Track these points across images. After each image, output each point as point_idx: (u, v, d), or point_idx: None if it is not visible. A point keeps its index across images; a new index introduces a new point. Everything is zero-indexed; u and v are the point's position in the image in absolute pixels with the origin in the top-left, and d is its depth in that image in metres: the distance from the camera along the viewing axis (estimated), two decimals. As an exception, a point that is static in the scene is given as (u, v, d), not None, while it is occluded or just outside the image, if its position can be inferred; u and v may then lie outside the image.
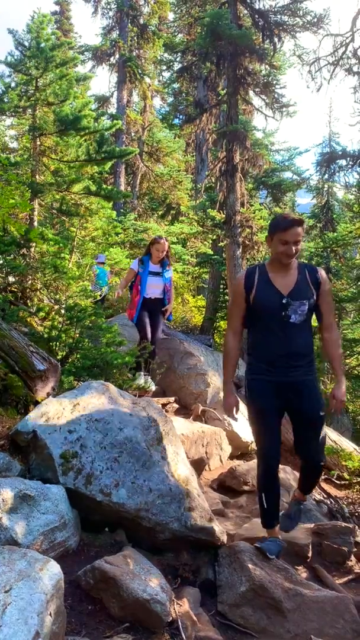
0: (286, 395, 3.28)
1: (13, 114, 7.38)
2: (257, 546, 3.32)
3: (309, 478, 3.61)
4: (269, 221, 11.43)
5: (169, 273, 6.30)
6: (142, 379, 6.11)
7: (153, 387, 6.37)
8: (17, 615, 1.98)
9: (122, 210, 17.22)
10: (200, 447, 5.44)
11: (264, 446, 3.36)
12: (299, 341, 3.23)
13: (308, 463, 3.48)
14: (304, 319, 3.22)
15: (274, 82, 10.77)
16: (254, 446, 6.46)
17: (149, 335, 6.05)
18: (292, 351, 3.23)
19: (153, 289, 6.17)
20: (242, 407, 6.95)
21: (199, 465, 5.01)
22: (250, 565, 3.13)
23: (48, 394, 4.10)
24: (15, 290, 6.64)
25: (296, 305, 3.18)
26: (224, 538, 3.50)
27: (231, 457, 6.07)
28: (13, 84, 7.16)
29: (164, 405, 6.47)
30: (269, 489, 3.35)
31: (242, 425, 6.47)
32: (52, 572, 2.25)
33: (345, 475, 6.17)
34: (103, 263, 11.11)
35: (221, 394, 6.69)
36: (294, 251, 3.15)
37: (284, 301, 3.18)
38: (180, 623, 2.68)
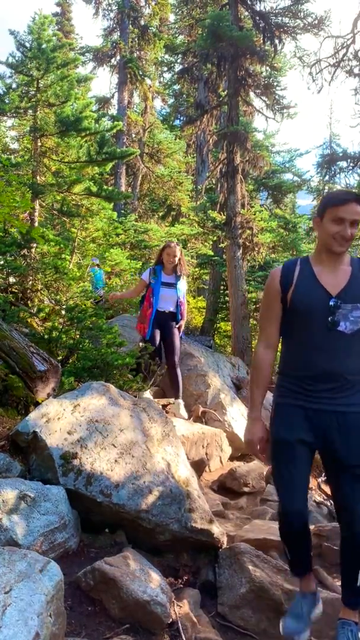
0: (323, 431, 2.43)
1: (14, 114, 7.39)
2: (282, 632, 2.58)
3: (353, 562, 2.47)
4: (268, 222, 11.44)
5: (183, 285, 5.79)
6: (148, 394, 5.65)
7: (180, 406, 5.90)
8: (17, 616, 1.97)
9: (122, 212, 17.22)
10: (200, 448, 5.44)
11: (283, 497, 2.52)
12: (348, 358, 2.42)
13: (353, 537, 2.41)
14: (357, 329, 2.40)
15: (275, 83, 10.78)
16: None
17: (162, 353, 5.70)
18: (338, 370, 2.42)
19: (166, 301, 5.66)
20: (241, 407, 6.94)
21: (199, 466, 5.00)
22: (250, 567, 3.12)
23: (48, 395, 4.10)
24: (16, 290, 6.64)
25: (348, 310, 2.40)
26: (224, 539, 3.49)
27: (231, 459, 6.07)
28: (14, 85, 7.17)
29: (164, 406, 6.45)
30: (293, 547, 2.62)
31: (242, 427, 6.47)
32: (52, 573, 2.24)
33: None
34: (98, 265, 11.12)
35: (222, 395, 6.70)
36: (349, 234, 2.39)
37: (331, 303, 2.41)
38: (180, 624, 2.68)
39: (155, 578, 2.80)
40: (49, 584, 2.18)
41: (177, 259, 5.62)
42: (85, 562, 2.86)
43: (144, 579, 2.71)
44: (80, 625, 2.47)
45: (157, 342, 5.61)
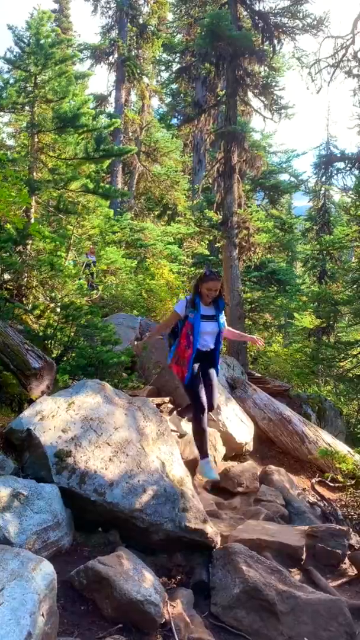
0: None
1: (11, 110, 7.34)
2: None
3: None
4: (264, 222, 11.45)
5: (224, 316, 4.95)
6: (211, 469, 4.57)
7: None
8: (9, 615, 1.95)
9: (118, 210, 17.18)
10: (194, 447, 5.41)
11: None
12: None
13: None
14: None
15: (273, 83, 10.77)
16: (248, 447, 6.46)
17: (205, 402, 4.59)
18: None
19: (207, 338, 4.83)
20: (236, 407, 6.93)
21: (193, 466, 4.98)
22: (244, 567, 3.11)
23: (43, 393, 4.07)
24: (11, 287, 6.60)
25: None
26: (218, 539, 3.48)
27: (225, 459, 6.05)
28: (12, 80, 7.12)
29: (158, 405, 6.43)
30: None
31: (237, 427, 6.46)
32: (45, 572, 2.22)
33: (339, 477, 6.17)
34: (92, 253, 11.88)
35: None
36: None
37: None
38: (173, 624, 2.66)
39: (149, 578, 2.78)
40: (41, 583, 2.16)
41: (217, 293, 4.81)
42: (79, 561, 2.84)
43: (137, 579, 2.69)
44: (73, 624, 2.45)
45: (202, 392, 4.60)
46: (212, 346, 4.85)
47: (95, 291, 11.59)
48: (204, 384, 4.70)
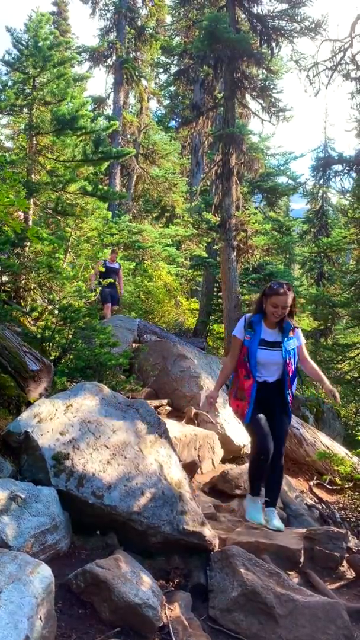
0: None
1: (9, 112, 7.35)
2: None
3: None
4: (262, 224, 11.48)
5: (295, 341, 3.97)
6: (258, 511, 4.02)
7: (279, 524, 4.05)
8: (6, 619, 1.95)
9: (117, 212, 17.19)
10: (192, 450, 5.42)
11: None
12: None
13: None
14: None
15: (271, 86, 10.80)
16: (246, 450, 6.45)
17: (271, 447, 3.84)
18: None
19: (268, 368, 3.93)
20: (224, 402, 6.95)
21: (191, 468, 4.99)
22: (242, 570, 3.10)
23: (41, 395, 4.07)
24: (9, 289, 6.59)
25: None
26: (216, 542, 3.48)
27: (223, 461, 6.05)
28: (10, 83, 7.13)
29: (156, 407, 6.44)
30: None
31: (235, 429, 6.46)
32: (42, 575, 2.22)
33: (337, 480, 6.17)
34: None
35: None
36: None
37: None
38: (171, 628, 2.65)
39: (147, 581, 2.77)
40: (39, 586, 2.15)
41: (286, 312, 3.85)
42: (77, 564, 2.83)
43: (135, 582, 2.69)
44: (71, 628, 2.44)
45: (266, 428, 3.87)
46: (277, 376, 3.97)
47: (116, 307, 11.34)
48: (270, 428, 3.88)
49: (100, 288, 9.52)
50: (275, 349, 3.89)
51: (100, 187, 7.47)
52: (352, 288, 13.38)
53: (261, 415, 3.89)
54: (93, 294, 7.15)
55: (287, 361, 3.92)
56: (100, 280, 8.71)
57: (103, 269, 9.77)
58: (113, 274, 10.40)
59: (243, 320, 4.00)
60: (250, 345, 3.88)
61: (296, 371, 4.03)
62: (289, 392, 4.01)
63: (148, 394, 6.72)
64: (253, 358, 3.87)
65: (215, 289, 15.17)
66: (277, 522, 3.99)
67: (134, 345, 8.09)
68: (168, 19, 21.60)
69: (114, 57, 20.21)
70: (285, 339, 3.90)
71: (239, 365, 3.97)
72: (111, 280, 9.15)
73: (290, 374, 3.96)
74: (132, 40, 20.80)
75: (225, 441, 6.17)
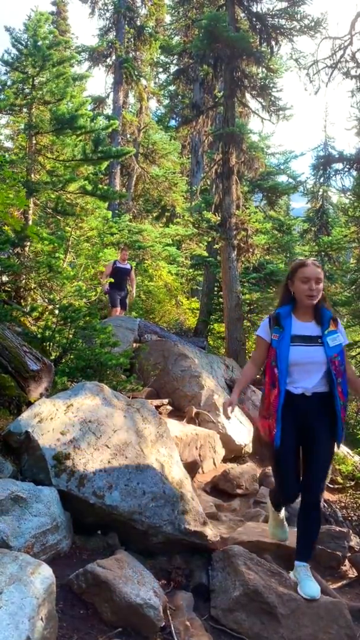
0: None
1: (9, 112, 7.34)
2: None
3: None
4: (263, 224, 11.47)
5: (340, 337, 3.09)
6: (278, 525, 3.59)
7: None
8: (7, 619, 1.94)
9: (116, 212, 17.17)
10: (193, 449, 5.41)
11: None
12: None
13: None
14: None
15: (271, 85, 10.81)
16: (247, 449, 6.44)
17: (296, 494, 3.12)
18: None
19: (307, 372, 3.04)
20: (235, 408, 6.92)
21: (192, 468, 4.97)
22: (244, 570, 3.09)
23: (41, 395, 4.06)
24: (9, 289, 6.59)
25: None
26: (218, 542, 3.46)
27: (224, 460, 6.04)
28: (9, 82, 7.12)
29: (157, 407, 6.43)
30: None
31: (236, 429, 6.45)
32: (43, 575, 2.21)
33: (339, 479, 6.16)
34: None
35: (215, 397, 6.68)
36: None
37: None
38: (173, 628, 2.65)
39: (148, 581, 2.76)
40: (40, 587, 2.14)
41: (321, 288, 3.05)
42: (78, 565, 2.82)
43: (136, 582, 2.67)
44: (72, 629, 2.43)
45: (292, 457, 3.06)
46: (317, 388, 3.03)
47: (128, 312, 10.46)
48: (305, 453, 3.07)
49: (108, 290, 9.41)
50: (314, 345, 3.01)
51: (100, 186, 7.47)
52: (353, 287, 13.36)
53: (290, 444, 3.00)
54: (93, 293, 7.12)
55: (334, 360, 2.98)
56: (112, 280, 8.70)
57: (108, 281, 9.20)
58: (124, 276, 9.82)
59: (268, 319, 3.20)
60: (279, 345, 3.01)
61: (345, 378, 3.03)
62: (341, 404, 2.99)
63: (149, 394, 6.71)
64: (284, 360, 2.97)
65: (215, 289, 15.16)
66: (309, 588, 3.00)
67: (134, 344, 8.08)
68: (167, 19, 21.58)
69: (114, 57, 20.20)
70: (327, 332, 3.03)
71: (266, 373, 3.12)
72: (111, 280, 9.11)
73: (340, 379, 2.99)
74: (132, 39, 20.78)
75: (227, 440, 6.16)
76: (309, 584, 3.01)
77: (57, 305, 5.97)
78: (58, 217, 7.97)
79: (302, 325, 3.08)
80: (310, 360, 3.01)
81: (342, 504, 5.73)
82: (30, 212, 7.34)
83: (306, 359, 3.01)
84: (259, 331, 3.25)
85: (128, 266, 10.13)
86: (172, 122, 24.30)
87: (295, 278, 3.07)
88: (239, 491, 5.16)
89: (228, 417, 3.15)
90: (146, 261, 15.53)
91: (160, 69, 23.05)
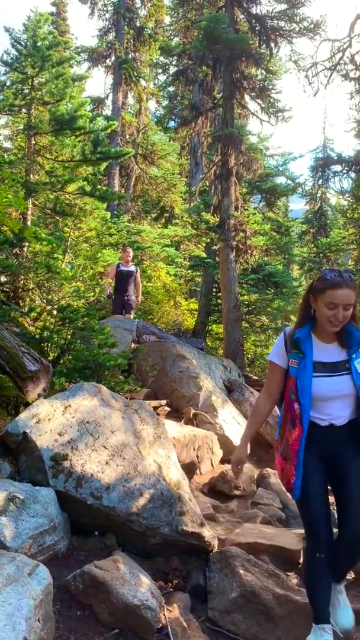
0: None
1: (8, 112, 7.34)
2: None
3: None
4: (261, 225, 11.49)
5: None
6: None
7: None
8: (4, 620, 1.93)
9: (115, 212, 17.17)
10: (191, 450, 5.41)
11: None
12: None
13: None
14: None
15: (270, 86, 10.83)
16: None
17: (330, 537, 2.58)
18: None
19: (331, 406, 2.58)
20: (233, 409, 6.92)
21: (190, 469, 4.97)
22: (241, 571, 3.10)
23: (39, 395, 4.06)
24: (7, 290, 6.58)
25: None
26: (215, 543, 3.47)
27: (222, 461, 6.04)
28: (8, 82, 7.13)
29: (155, 408, 6.42)
30: None
31: (234, 430, 6.45)
32: (41, 576, 2.20)
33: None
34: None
35: (213, 398, 6.68)
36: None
37: None
38: (170, 629, 2.65)
39: (145, 582, 2.76)
40: (37, 587, 2.14)
41: (349, 315, 2.48)
42: (75, 566, 2.82)
43: (134, 583, 2.67)
44: (69, 630, 2.43)
45: (317, 506, 2.57)
46: (343, 419, 2.58)
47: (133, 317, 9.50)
48: (338, 494, 2.63)
49: (113, 295, 9.06)
50: (339, 374, 2.53)
51: (99, 187, 7.47)
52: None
53: (317, 491, 2.55)
54: (92, 294, 7.12)
55: None
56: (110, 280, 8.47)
57: (111, 281, 8.84)
58: (129, 279, 9.11)
59: (282, 338, 2.64)
60: (300, 375, 2.50)
61: None
62: None
63: (147, 395, 6.71)
64: (307, 395, 2.48)
65: (214, 290, 15.18)
66: (344, 618, 2.64)
67: (132, 345, 8.07)
68: (167, 20, 21.62)
69: (113, 58, 20.20)
70: (355, 356, 2.54)
71: (285, 405, 2.60)
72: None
73: None
74: (131, 40, 20.78)
75: (224, 442, 6.16)
76: (347, 615, 2.66)
77: (56, 306, 5.97)
78: (57, 217, 7.97)
79: (325, 349, 2.55)
80: (337, 393, 2.52)
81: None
82: (29, 212, 7.34)
83: (332, 392, 2.52)
84: (272, 355, 2.67)
85: (132, 268, 9.33)
86: (172, 123, 24.32)
87: (319, 298, 2.45)
88: (236, 492, 5.16)
89: (237, 476, 2.80)
90: (145, 262, 15.53)
91: (160, 70, 23.10)
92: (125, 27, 20.25)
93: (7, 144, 13.82)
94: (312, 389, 2.49)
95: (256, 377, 10.22)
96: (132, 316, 9.01)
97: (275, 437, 2.73)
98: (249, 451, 2.70)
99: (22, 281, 6.65)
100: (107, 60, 20.69)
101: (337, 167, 12.26)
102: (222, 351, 12.04)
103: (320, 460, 2.57)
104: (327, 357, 2.54)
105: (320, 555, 2.51)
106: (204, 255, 14.34)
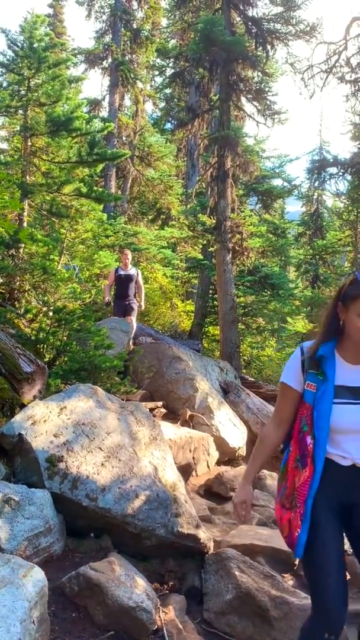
0: None
1: (4, 113, 7.34)
2: None
3: None
4: (258, 227, 11.51)
5: None
6: None
7: None
8: (-1, 623, 1.93)
9: (112, 214, 17.16)
10: (187, 452, 5.41)
11: None
12: None
13: None
14: None
15: (266, 89, 10.86)
16: (241, 452, 6.45)
17: (336, 607, 1.92)
18: None
19: (354, 441, 2.01)
20: (229, 411, 6.91)
21: (186, 470, 4.97)
22: (236, 573, 3.09)
23: (35, 397, 4.04)
24: (3, 291, 6.57)
25: None
26: (211, 545, 3.46)
27: (218, 463, 6.04)
28: (5, 84, 7.12)
29: (151, 409, 6.42)
30: None
31: (230, 431, 6.45)
32: (36, 578, 2.20)
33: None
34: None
35: (210, 399, 6.68)
36: None
37: None
38: (165, 631, 2.64)
39: (141, 584, 2.76)
40: (32, 589, 2.13)
41: None
42: (70, 567, 2.81)
43: (129, 585, 2.67)
44: (64, 632, 2.42)
45: (331, 572, 1.93)
46: None
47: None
48: (352, 541, 2.06)
49: (112, 300, 8.53)
50: None
51: (95, 189, 7.47)
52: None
53: (329, 547, 1.96)
54: (88, 295, 7.09)
55: None
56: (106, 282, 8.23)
57: (108, 283, 8.53)
58: (129, 284, 8.50)
59: (298, 356, 2.11)
60: (318, 402, 1.99)
61: None
62: None
63: (143, 396, 6.70)
64: (324, 427, 1.97)
65: (210, 291, 15.18)
66: None
67: (129, 347, 8.06)
68: (164, 22, 21.67)
69: (110, 59, 20.20)
70: None
71: (294, 439, 2.08)
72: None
73: None
74: (128, 42, 20.80)
75: (220, 443, 6.16)
76: None
77: (52, 307, 5.96)
78: (53, 219, 7.96)
79: (350, 371, 2.03)
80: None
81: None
82: (25, 214, 7.33)
83: (357, 423, 1.99)
84: (286, 376, 2.13)
85: (132, 272, 8.66)
86: (168, 125, 24.34)
87: (352, 306, 1.97)
88: (232, 494, 5.15)
89: (243, 520, 2.29)
90: (141, 264, 15.53)
91: (157, 72, 23.09)
92: (122, 29, 20.27)
93: (4, 145, 13.81)
94: (332, 419, 1.97)
95: (252, 379, 10.22)
96: (134, 319, 8.40)
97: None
98: (253, 489, 2.25)
99: (18, 282, 6.64)
100: (104, 62, 20.69)
101: (333, 170, 12.29)
102: (219, 353, 12.04)
103: (336, 509, 2.01)
104: (354, 380, 2.02)
105: (330, 638, 1.90)
106: (200, 257, 14.35)
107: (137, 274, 8.70)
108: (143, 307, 9.41)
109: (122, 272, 8.57)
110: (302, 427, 2.03)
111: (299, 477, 2.00)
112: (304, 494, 1.96)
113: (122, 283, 8.45)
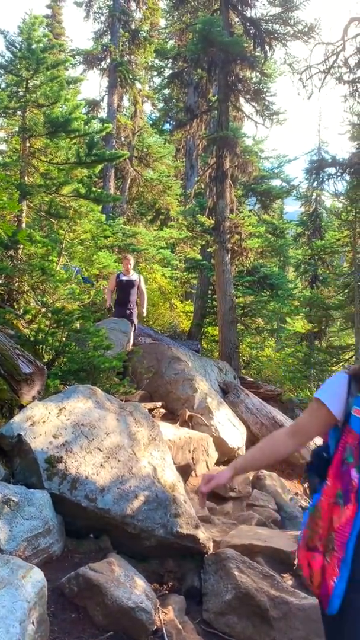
0: None
1: (2, 115, 7.33)
2: None
3: None
4: (256, 227, 11.50)
5: None
6: None
7: None
8: (-2, 623, 1.93)
9: (110, 215, 17.16)
10: (186, 452, 5.41)
11: None
12: None
13: None
14: None
15: (265, 89, 10.87)
16: (240, 452, 6.45)
17: None
18: None
19: None
20: (228, 411, 6.91)
21: (185, 471, 4.97)
22: (236, 573, 3.10)
23: (34, 398, 4.05)
24: (2, 292, 6.57)
25: None
26: (210, 545, 3.47)
27: (217, 463, 6.04)
28: (3, 85, 7.11)
29: (150, 410, 6.42)
30: None
31: (229, 431, 6.45)
32: (35, 579, 2.20)
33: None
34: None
35: (209, 400, 6.68)
36: None
37: None
38: (165, 631, 2.64)
39: (140, 584, 2.76)
40: (31, 590, 2.13)
41: None
42: (70, 568, 2.81)
43: (128, 585, 2.67)
44: (64, 632, 2.42)
45: None
46: None
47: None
48: None
49: (113, 307, 8.34)
50: None
51: (94, 189, 7.45)
52: (346, 290, 13.43)
53: None
54: (87, 296, 7.07)
55: None
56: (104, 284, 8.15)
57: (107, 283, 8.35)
58: (130, 289, 8.24)
59: (345, 376, 1.80)
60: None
61: None
62: None
63: (142, 397, 6.70)
64: None
65: (209, 292, 15.19)
66: None
67: (128, 347, 8.05)
68: (162, 22, 21.69)
69: (108, 60, 20.21)
70: None
71: (332, 474, 1.74)
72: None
73: None
74: (126, 43, 20.81)
75: (220, 444, 6.16)
76: None
77: (50, 308, 5.96)
78: (51, 220, 7.95)
79: None
80: None
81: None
82: (24, 214, 7.32)
83: None
84: (323, 393, 1.82)
85: (134, 277, 8.44)
86: (167, 126, 24.36)
87: None
88: (231, 494, 5.16)
89: (197, 494, 2.01)
90: (140, 264, 15.53)
91: (155, 73, 23.10)
92: (121, 29, 20.29)
93: (2, 147, 13.82)
94: None
95: (251, 379, 10.23)
96: (132, 329, 8.11)
97: (303, 520, 1.86)
98: (233, 480, 1.99)
99: (16, 283, 6.63)
100: (103, 63, 20.69)
101: (331, 170, 12.30)
102: (218, 353, 12.04)
103: None
104: None
105: None
106: (199, 257, 14.35)
107: (139, 280, 8.46)
108: (145, 314, 9.14)
109: (123, 278, 8.35)
110: (346, 457, 1.70)
111: (339, 515, 1.67)
112: (345, 536, 1.64)
113: (124, 289, 8.26)
